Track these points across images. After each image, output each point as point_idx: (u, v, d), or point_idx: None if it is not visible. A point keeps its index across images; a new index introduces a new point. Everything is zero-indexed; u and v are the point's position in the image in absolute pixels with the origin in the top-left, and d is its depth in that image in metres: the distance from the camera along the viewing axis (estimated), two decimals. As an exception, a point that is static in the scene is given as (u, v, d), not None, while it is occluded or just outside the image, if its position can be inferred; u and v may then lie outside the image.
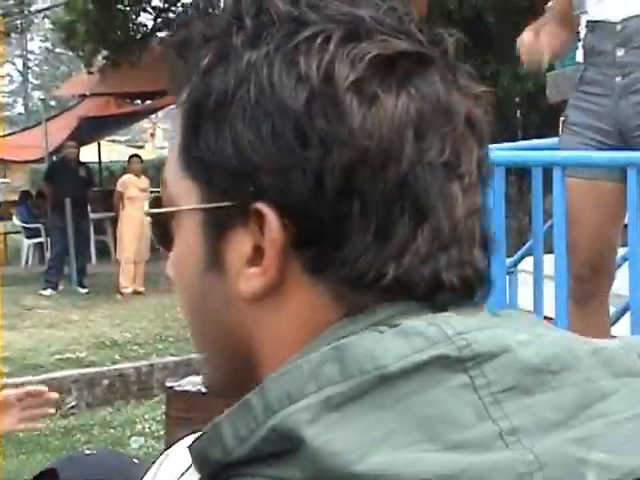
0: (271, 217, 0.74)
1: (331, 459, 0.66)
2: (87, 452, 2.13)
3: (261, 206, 0.74)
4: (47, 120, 17.94)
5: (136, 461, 1.96)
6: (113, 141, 27.53)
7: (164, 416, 6.99)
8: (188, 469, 1.76)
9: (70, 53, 24.23)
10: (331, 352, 0.70)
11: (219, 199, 0.77)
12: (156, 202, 0.86)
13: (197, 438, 0.73)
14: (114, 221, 15.63)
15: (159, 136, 34.86)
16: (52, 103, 39.95)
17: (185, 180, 0.80)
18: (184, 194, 0.80)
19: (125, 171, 15.79)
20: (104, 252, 17.09)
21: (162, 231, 0.85)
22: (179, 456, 1.82)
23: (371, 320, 0.73)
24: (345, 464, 0.65)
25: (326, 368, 0.69)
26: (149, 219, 0.87)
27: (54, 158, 16.75)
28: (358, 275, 0.74)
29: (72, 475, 1.86)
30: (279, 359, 0.76)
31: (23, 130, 22.31)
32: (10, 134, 22.83)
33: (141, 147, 30.69)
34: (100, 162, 21.88)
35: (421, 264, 0.74)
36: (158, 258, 15.28)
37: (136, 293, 13.62)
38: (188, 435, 1.80)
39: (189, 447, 0.73)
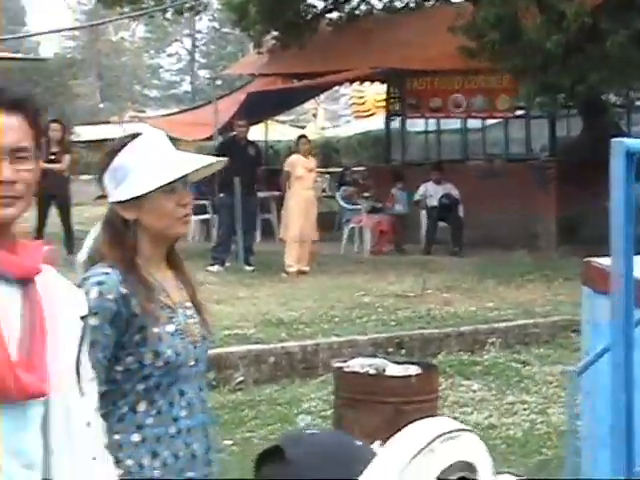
0: None
1: None
2: (310, 432, 2.16)
3: None
4: (217, 99, 18.24)
5: (359, 443, 1.97)
6: (276, 121, 27.84)
7: (332, 396, 7.07)
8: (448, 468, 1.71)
9: (237, 32, 24.56)
10: None
11: None
12: None
13: None
14: (280, 200, 15.82)
15: (321, 117, 35.14)
16: (218, 82, 40.67)
17: None
18: None
19: (290, 150, 15.95)
20: (268, 231, 17.32)
21: None
22: (444, 452, 1.76)
23: None
24: None
25: None
26: None
27: (220, 137, 16.96)
28: None
29: (297, 453, 1.88)
30: None
31: (194, 108, 22.74)
32: (180, 112, 23.34)
33: (303, 127, 30.96)
34: (267, 141, 22.17)
35: None
36: (324, 239, 15.44)
37: (301, 273, 13.78)
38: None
39: None
